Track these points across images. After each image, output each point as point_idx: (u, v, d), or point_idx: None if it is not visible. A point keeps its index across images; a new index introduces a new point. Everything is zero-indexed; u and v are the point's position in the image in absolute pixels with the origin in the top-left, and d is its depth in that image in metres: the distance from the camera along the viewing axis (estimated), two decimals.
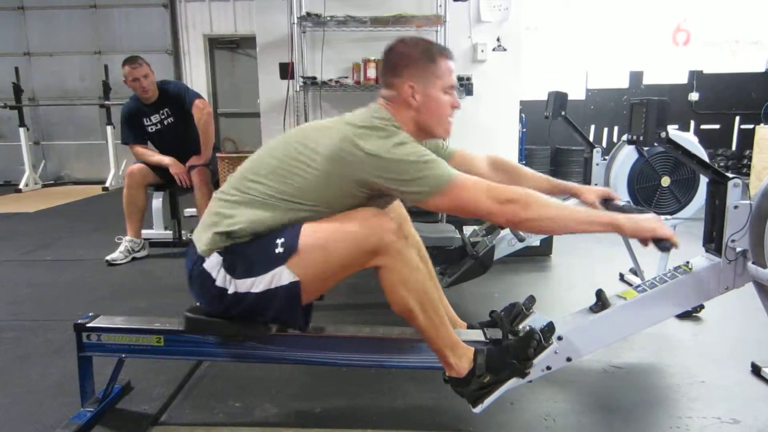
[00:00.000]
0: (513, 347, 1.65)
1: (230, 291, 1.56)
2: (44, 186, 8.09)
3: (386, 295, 1.57)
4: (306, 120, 4.30)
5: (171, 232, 4.33)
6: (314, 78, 4.17)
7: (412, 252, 1.59)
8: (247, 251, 1.55)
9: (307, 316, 1.64)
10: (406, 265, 1.54)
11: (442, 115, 1.67)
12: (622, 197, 2.74)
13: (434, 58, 1.64)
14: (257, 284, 1.53)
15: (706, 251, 1.90)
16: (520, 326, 1.82)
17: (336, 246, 1.51)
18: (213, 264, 1.57)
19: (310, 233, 1.52)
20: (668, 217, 1.73)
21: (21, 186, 7.64)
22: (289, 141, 1.62)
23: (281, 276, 1.52)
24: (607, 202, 1.90)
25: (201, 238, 1.61)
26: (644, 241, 1.53)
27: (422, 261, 1.83)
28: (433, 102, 1.64)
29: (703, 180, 2.59)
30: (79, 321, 1.79)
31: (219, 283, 1.57)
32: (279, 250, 1.51)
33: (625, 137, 2.41)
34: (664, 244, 1.51)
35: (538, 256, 3.85)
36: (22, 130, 7.56)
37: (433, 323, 1.59)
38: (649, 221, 1.52)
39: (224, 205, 1.61)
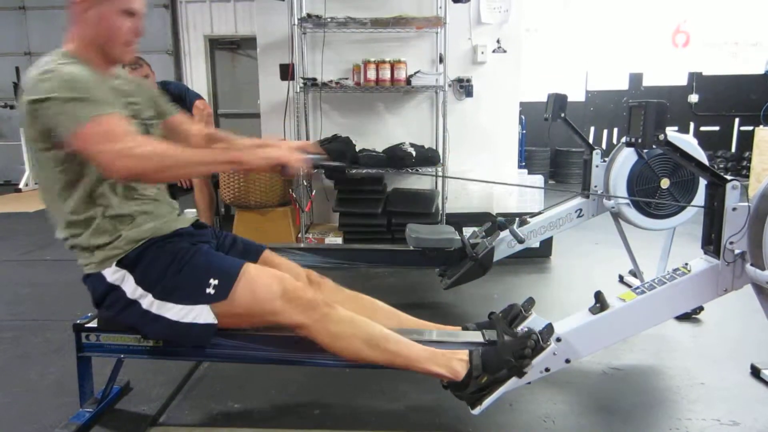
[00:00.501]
0: (509, 345, 1.65)
1: (144, 306, 1.56)
2: None
3: (329, 351, 1.61)
4: (306, 121, 4.31)
5: None
6: (314, 79, 4.18)
7: (335, 311, 1.61)
8: (171, 273, 1.55)
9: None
10: (335, 325, 1.58)
11: (116, 38, 1.57)
12: (621, 200, 2.75)
13: None
14: (175, 312, 1.54)
15: (705, 253, 1.90)
16: (519, 328, 1.82)
17: (262, 309, 1.56)
18: (118, 277, 1.57)
19: (245, 288, 1.55)
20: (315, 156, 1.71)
21: (21, 185, 7.64)
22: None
23: (201, 313, 1.54)
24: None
25: (85, 259, 1.60)
26: (273, 170, 1.54)
27: (348, 299, 1.88)
28: (104, 22, 1.55)
29: (703, 182, 2.59)
30: (79, 321, 1.79)
31: (131, 295, 1.56)
32: (210, 290, 1.54)
33: (624, 139, 2.41)
34: (285, 170, 1.54)
35: (537, 257, 3.85)
36: (22, 129, 7.54)
37: (393, 352, 1.62)
38: (271, 149, 1.55)
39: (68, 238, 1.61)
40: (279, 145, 1.63)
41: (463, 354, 1.66)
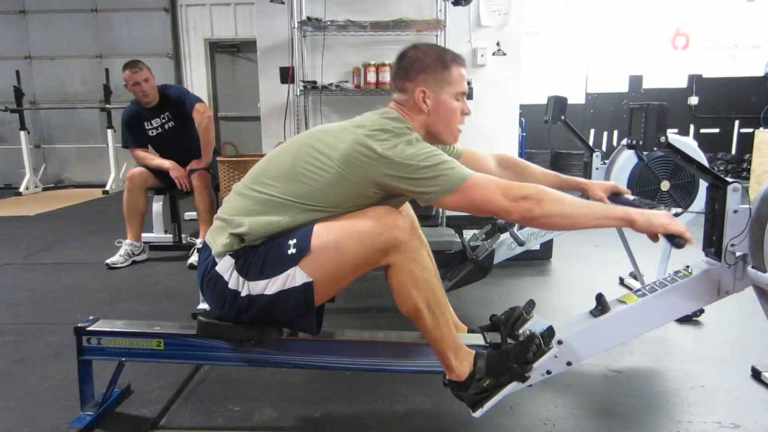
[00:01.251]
0: (513, 351, 1.65)
1: (243, 293, 1.55)
2: (45, 189, 8.10)
3: (394, 294, 1.57)
4: (306, 124, 4.31)
5: (171, 235, 4.33)
6: (314, 82, 4.18)
7: (424, 252, 1.60)
8: (260, 253, 1.55)
9: (319, 318, 1.65)
10: (418, 265, 1.54)
11: (451, 121, 1.68)
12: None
13: (447, 64, 1.66)
14: (270, 286, 1.53)
15: (706, 255, 1.90)
16: (520, 330, 1.82)
17: (348, 245, 1.50)
18: (226, 266, 1.57)
19: (322, 233, 1.52)
20: (679, 210, 1.72)
21: (21, 189, 7.64)
22: (302, 144, 1.62)
23: (294, 277, 1.51)
24: (615, 197, 1.90)
25: (214, 240, 1.61)
26: (654, 237, 1.54)
27: (431, 261, 1.83)
28: (444, 107, 1.65)
29: (703, 184, 2.59)
30: (79, 324, 1.79)
31: (232, 285, 1.56)
32: (291, 251, 1.51)
33: (624, 141, 2.42)
34: (677, 242, 1.51)
35: (538, 260, 3.85)
36: (22, 133, 7.56)
37: (439, 325, 1.59)
38: (661, 216, 1.54)
39: (236, 208, 1.61)
40: (662, 215, 1.58)
41: (470, 355, 1.66)
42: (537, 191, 1.49)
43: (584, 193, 2.01)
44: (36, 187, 7.92)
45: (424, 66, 1.65)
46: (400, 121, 1.61)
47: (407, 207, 1.92)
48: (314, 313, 1.58)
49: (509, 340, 1.71)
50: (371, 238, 1.49)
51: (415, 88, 1.64)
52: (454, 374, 1.64)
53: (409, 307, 1.56)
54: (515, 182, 1.54)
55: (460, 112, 1.69)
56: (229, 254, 1.57)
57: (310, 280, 1.52)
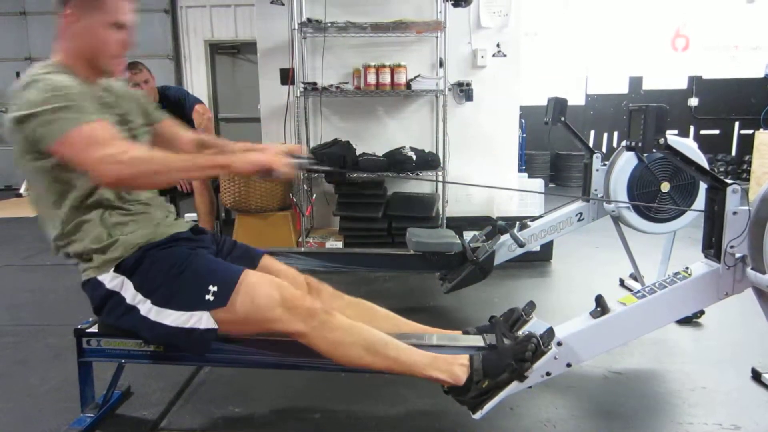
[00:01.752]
0: (510, 349, 1.65)
1: (143, 312, 1.55)
2: None
3: (329, 358, 1.61)
4: (306, 125, 4.31)
5: None
6: (315, 83, 4.18)
7: (334, 318, 1.60)
8: (170, 278, 1.55)
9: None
10: (330, 330, 1.57)
11: (104, 51, 1.59)
12: (621, 203, 2.75)
13: None
14: (175, 318, 1.54)
15: (706, 257, 1.90)
16: (520, 332, 1.82)
17: (259, 316, 1.55)
18: (117, 283, 1.57)
19: (245, 295, 1.54)
20: (303, 160, 1.71)
21: (22, 191, 7.62)
22: None
23: (201, 319, 1.54)
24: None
25: (83, 265, 1.61)
26: (260, 174, 1.54)
27: (348, 305, 1.88)
28: (92, 35, 1.57)
29: (703, 185, 2.60)
30: (80, 326, 1.79)
31: (130, 301, 1.56)
32: (209, 297, 1.53)
33: (624, 143, 2.42)
34: (272, 174, 1.54)
35: (537, 261, 3.85)
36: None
37: (392, 357, 1.61)
38: (258, 154, 1.56)
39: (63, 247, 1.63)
40: (266, 150, 1.65)
41: (464, 359, 1.66)
42: (128, 149, 1.42)
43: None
44: (28, 194, 7.90)
45: None
46: (40, 67, 1.54)
47: (293, 271, 1.91)
48: (205, 350, 1.59)
49: (505, 340, 1.71)
50: (283, 322, 1.55)
51: (65, 12, 1.56)
52: (449, 383, 1.64)
53: (350, 363, 1.61)
54: (118, 142, 1.45)
55: (116, 42, 1.59)
56: (112, 270, 1.57)
57: (216, 327, 1.54)
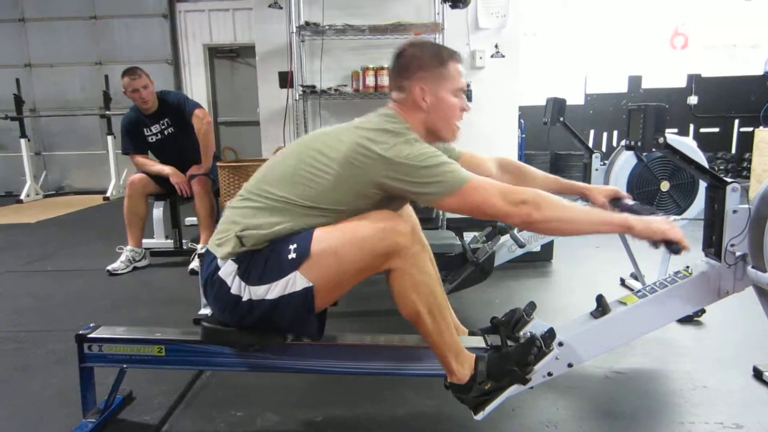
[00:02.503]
0: (514, 354, 1.65)
1: (245, 298, 1.55)
2: (45, 196, 8.11)
3: (395, 299, 1.57)
4: (305, 128, 4.31)
5: (172, 241, 4.34)
6: (313, 86, 4.19)
7: (425, 256, 1.60)
8: (261, 258, 1.54)
9: (321, 323, 1.65)
10: (419, 270, 1.54)
11: (451, 117, 1.68)
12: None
13: (444, 61, 1.66)
14: (271, 291, 1.53)
15: (706, 256, 1.90)
16: (521, 332, 1.82)
17: (349, 250, 1.50)
18: (228, 271, 1.57)
19: (323, 238, 1.52)
20: (677, 217, 1.72)
21: (22, 197, 7.65)
22: (303, 147, 1.63)
23: (295, 282, 1.51)
24: (616, 201, 1.90)
25: (217, 245, 1.61)
26: (654, 244, 1.54)
27: (432, 265, 1.83)
28: (442, 104, 1.65)
29: (703, 184, 2.60)
30: (81, 331, 1.79)
31: (234, 290, 1.56)
32: (292, 255, 1.51)
33: (623, 142, 2.42)
34: (674, 247, 1.52)
35: (538, 261, 3.85)
36: (23, 140, 7.58)
37: (440, 329, 1.59)
38: (660, 223, 1.53)
39: (240, 213, 1.61)
40: (664, 221, 1.56)
41: (471, 358, 1.66)
42: (536, 196, 1.50)
43: (585, 198, 2.00)
44: (37, 194, 7.93)
45: (421, 63, 1.65)
46: (399, 121, 1.61)
47: (409, 211, 1.92)
48: (315, 319, 1.58)
49: (509, 343, 1.71)
50: (372, 243, 1.49)
51: (414, 86, 1.63)
52: (455, 377, 1.64)
53: (410, 311, 1.56)
54: (515, 186, 1.54)
55: (458, 108, 1.69)
56: (232, 259, 1.56)
57: (311, 284, 1.51)
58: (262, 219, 1.56)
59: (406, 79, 1.65)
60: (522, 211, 1.48)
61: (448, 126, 1.69)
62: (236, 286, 1.56)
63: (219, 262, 1.59)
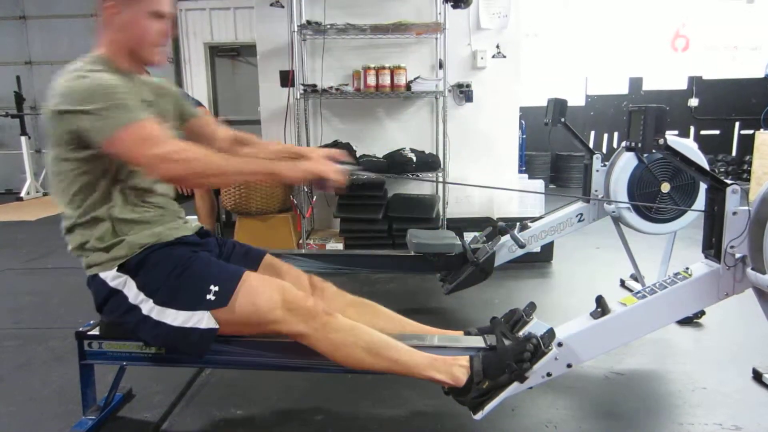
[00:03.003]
0: (510, 350, 1.66)
1: (145, 311, 1.56)
2: (45, 194, 8.08)
3: (330, 359, 1.61)
4: (306, 127, 4.31)
5: None
6: (314, 85, 4.19)
7: (335, 319, 1.60)
8: (172, 279, 1.56)
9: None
10: (332, 330, 1.58)
11: (146, 40, 1.61)
12: (622, 204, 2.75)
13: None
14: (175, 317, 1.54)
15: (706, 257, 1.90)
16: (520, 333, 1.82)
17: (260, 317, 1.55)
18: (120, 282, 1.58)
19: (245, 296, 1.55)
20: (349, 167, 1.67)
21: (22, 194, 7.65)
22: None
23: (202, 319, 1.54)
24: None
25: (84, 256, 1.62)
26: (314, 186, 1.55)
27: (351, 304, 1.87)
28: (134, 26, 1.58)
29: (703, 186, 2.60)
30: (81, 329, 1.80)
31: (132, 300, 1.57)
32: (210, 297, 1.54)
33: (624, 144, 2.42)
34: (323, 184, 1.53)
35: (538, 262, 3.86)
36: (23, 138, 7.58)
37: (393, 359, 1.61)
38: (309, 163, 1.55)
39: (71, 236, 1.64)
40: (315, 158, 1.62)
41: (464, 360, 1.66)
42: (183, 150, 1.44)
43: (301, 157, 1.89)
44: (37, 192, 7.93)
45: None
46: (91, 58, 1.58)
47: (296, 270, 1.92)
48: (204, 351, 1.60)
49: (506, 341, 1.71)
50: (285, 322, 1.55)
51: (104, 5, 1.57)
52: (450, 384, 1.64)
53: (351, 365, 1.61)
54: (171, 141, 1.47)
55: (157, 32, 1.62)
56: (116, 270, 1.57)
57: (216, 327, 1.55)
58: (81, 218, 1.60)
59: (100, 1, 1.59)
60: (165, 166, 1.42)
61: (145, 49, 1.62)
62: (134, 295, 1.57)
63: (102, 277, 1.60)
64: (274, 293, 1.56)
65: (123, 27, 1.59)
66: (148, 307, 1.56)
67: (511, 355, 1.64)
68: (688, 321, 2.67)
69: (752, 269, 1.77)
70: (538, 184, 4.49)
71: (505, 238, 2.88)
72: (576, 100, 7.93)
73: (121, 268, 1.57)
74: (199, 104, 3.99)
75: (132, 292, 1.57)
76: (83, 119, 1.44)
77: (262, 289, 1.57)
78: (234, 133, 2.00)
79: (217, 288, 1.55)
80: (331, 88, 4.18)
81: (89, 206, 1.57)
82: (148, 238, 1.61)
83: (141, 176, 1.63)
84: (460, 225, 3.90)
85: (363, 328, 1.64)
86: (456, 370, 1.64)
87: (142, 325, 1.57)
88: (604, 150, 8.10)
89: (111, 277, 1.57)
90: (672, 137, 2.15)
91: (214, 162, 1.47)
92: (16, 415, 1.98)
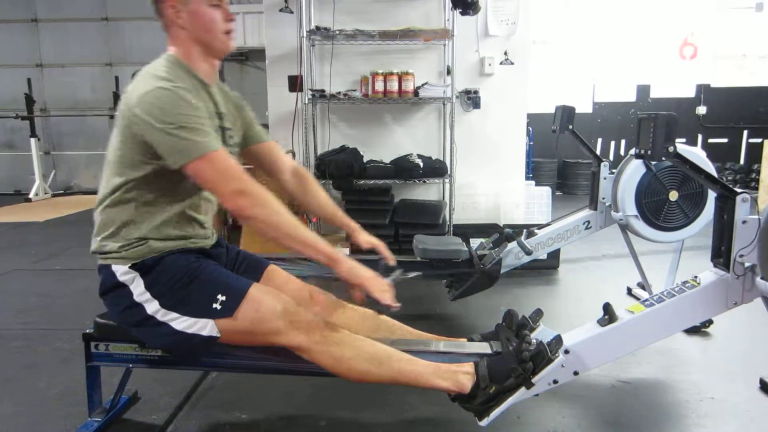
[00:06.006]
0: (512, 353, 1.65)
1: (149, 311, 1.56)
2: (54, 195, 8.15)
3: (332, 373, 1.60)
4: (314, 132, 4.33)
5: None
6: (323, 91, 4.20)
7: (336, 332, 1.60)
8: (181, 284, 1.56)
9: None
10: (333, 344, 1.57)
11: (212, 28, 1.61)
12: (629, 211, 2.74)
13: None
14: (180, 322, 1.55)
15: (715, 266, 1.89)
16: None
17: (263, 328, 1.55)
18: (128, 278, 1.58)
19: (250, 307, 1.55)
20: (398, 273, 1.72)
21: (31, 195, 7.70)
22: None
23: (206, 326, 1.54)
24: (377, 258, 1.86)
25: (98, 245, 1.63)
26: (358, 295, 1.55)
27: (352, 314, 1.85)
28: (199, 17, 1.58)
29: (712, 194, 2.58)
30: (88, 330, 1.80)
31: (137, 298, 1.57)
32: (216, 306, 1.54)
33: (632, 151, 2.41)
34: (378, 307, 1.54)
35: (545, 269, 3.84)
36: (33, 140, 7.63)
37: (396, 369, 1.61)
38: (366, 272, 1.55)
39: (103, 211, 1.64)
40: (370, 273, 1.58)
41: (469, 366, 1.65)
42: (259, 194, 1.46)
43: (348, 235, 2.01)
44: (46, 193, 7.97)
45: None
46: (170, 62, 1.58)
47: (297, 282, 1.91)
48: (201, 357, 1.61)
49: (510, 345, 1.71)
50: (281, 336, 1.56)
51: (166, 7, 1.57)
52: (455, 391, 1.64)
53: (353, 378, 1.61)
54: (251, 178, 1.49)
55: (220, 17, 1.61)
56: (129, 267, 1.57)
57: (218, 335, 1.55)
58: (116, 215, 1.62)
59: (157, 2, 1.59)
60: (239, 201, 1.45)
61: (214, 38, 1.62)
62: (139, 294, 1.57)
63: (113, 268, 1.60)
64: (277, 305, 1.56)
65: (189, 22, 1.58)
66: (153, 308, 1.56)
67: (514, 357, 1.64)
68: (695, 330, 2.66)
69: (761, 278, 1.76)
70: (545, 191, 4.48)
71: (512, 245, 2.87)
72: (583, 107, 7.91)
73: (133, 266, 1.58)
74: None
75: (138, 289, 1.57)
76: (156, 134, 1.45)
77: (266, 301, 1.57)
78: (294, 165, 1.98)
79: (224, 298, 1.55)
80: (339, 93, 4.19)
81: (136, 200, 1.59)
82: (171, 247, 1.62)
83: (199, 209, 1.68)
84: (466, 231, 3.90)
85: (364, 340, 1.63)
86: (461, 377, 1.63)
87: (143, 323, 1.57)
88: (611, 157, 8.08)
89: (122, 272, 1.58)
90: (681, 145, 2.14)
91: (288, 223, 1.48)
92: (23, 416, 1.99)
